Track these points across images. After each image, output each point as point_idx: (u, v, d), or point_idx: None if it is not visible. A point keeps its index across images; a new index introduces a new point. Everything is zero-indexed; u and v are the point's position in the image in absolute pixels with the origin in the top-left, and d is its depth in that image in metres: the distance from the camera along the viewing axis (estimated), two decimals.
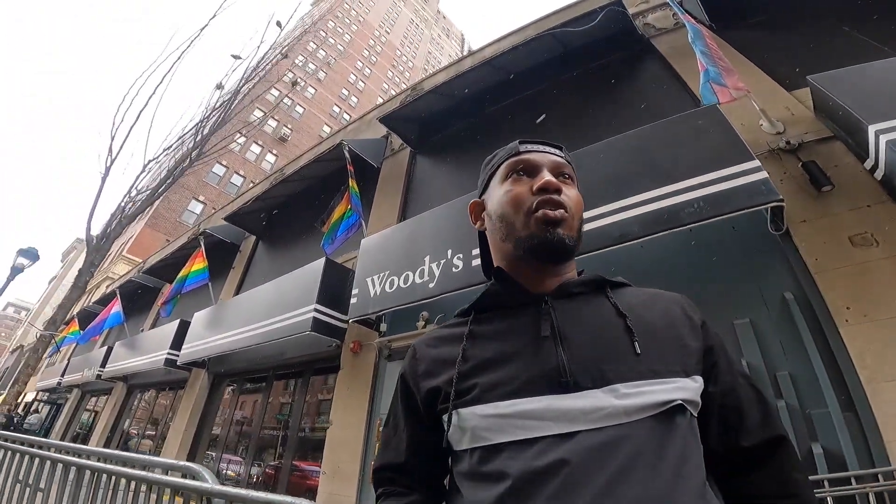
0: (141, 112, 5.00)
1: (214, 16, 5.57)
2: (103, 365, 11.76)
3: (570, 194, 0.79)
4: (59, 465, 2.68)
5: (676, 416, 0.64)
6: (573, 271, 0.82)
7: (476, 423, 0.67)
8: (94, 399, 15.04)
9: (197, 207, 29.47)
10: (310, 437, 6.77)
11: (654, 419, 0.62)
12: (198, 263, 9.34)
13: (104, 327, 12.22)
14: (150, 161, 5.07)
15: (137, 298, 14.30)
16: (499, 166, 0.87)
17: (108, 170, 4.40)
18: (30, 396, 23.88)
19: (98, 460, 2.62)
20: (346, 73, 46.68)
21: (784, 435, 0.72)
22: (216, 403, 8.90)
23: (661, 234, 3.59)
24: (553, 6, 9.04)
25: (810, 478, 2.53)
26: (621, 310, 0.73)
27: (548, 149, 0.85)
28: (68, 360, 16.12)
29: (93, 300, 23.82)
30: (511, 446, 0.63)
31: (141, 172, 4.92)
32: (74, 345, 15.91)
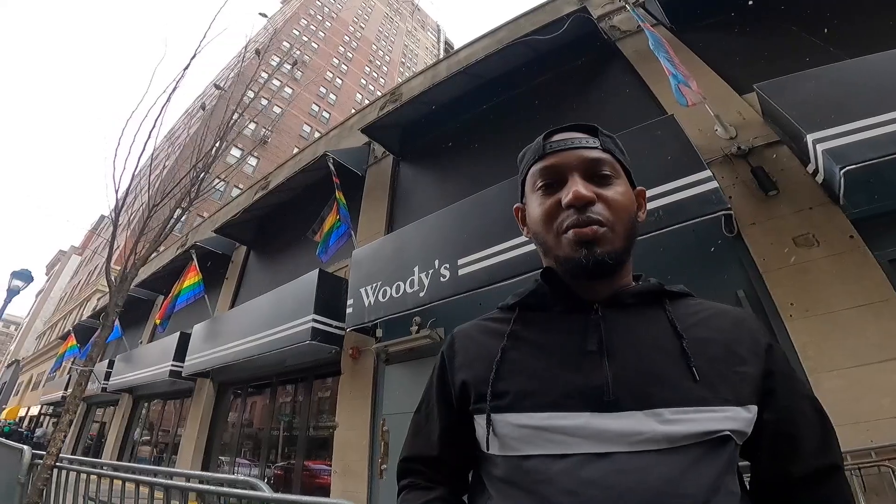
0: (139, 159, 5.16)
1: (195, 55, 5.67)
2: (107, 378, 12.02)
3: (609, 198, 0.70)
4: (132, 485, 3.01)
5: (721, 446, 0.60)
6: (628, 277, 0.76)
7: (507, 431, 0.64)
8: (100, 410, 15.33)
9: (175, 213, 29.24)
10: (317, 437, 7.14)
11: (695, 448, 0.59)
12: (191, 278, 9.50)
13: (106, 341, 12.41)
14: (155, 206, 5.24)
15: (132, 311, 14.44)
16: (528, 172, 0.79)
17: (116, 223, 4.59)
18: (34, 410, 24.14)
19: (165, 478, 2.96)
20: (323, 71, 46.10)
21: (839, 465, 0.67)
22: (224, 410, 9.21)
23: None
24: (525, 5, 9.20)
25: None
26: (679, 329, 0.68)
27: (579, 141, 0.74)
28: (69, 374, 16.29)
29: (85, 314, 23.88)
30: (540, 459, 0.61)
31: (148, 217, 5.09)
32: (73, 359, 16.04)
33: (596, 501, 0.56)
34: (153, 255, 4.94)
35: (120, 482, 3.13)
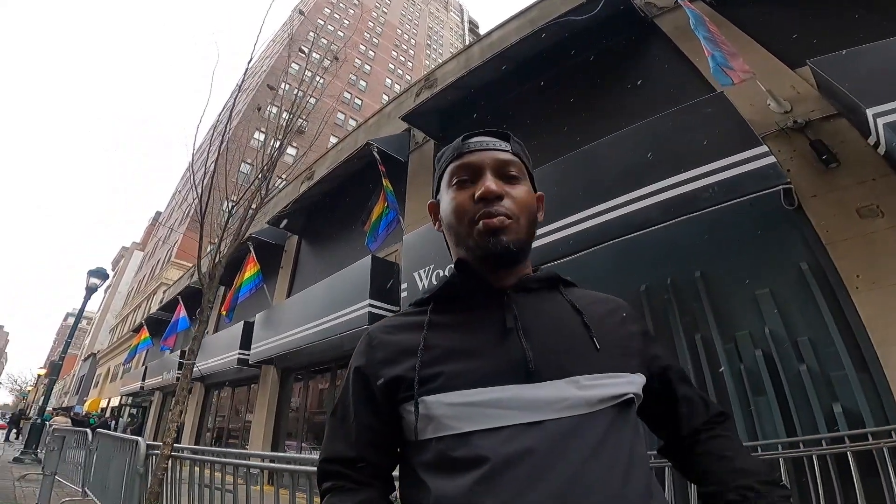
0: (214, 168, 5.55)
1: (251, 60, 5.94)
2: (180, 368, 13.00)
3: (514, 195, 0.78)
4: (252, 470, 3.16)
5: (628, 407, 0.71)
6: (529, 268, 0.84)
7: (442, 411, 0.66)
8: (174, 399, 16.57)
9: (248, 213, 30.54)
10: None
11: (611, 409, 0.67)
12: (251, 269, 10.05)
13: (176, 332, 13.38)
14: (232, 206, 5.64)
15: (197, 303, 15.41)
16: (445, 169, 0.85)
17: (202, 224, 4.99)
18: (115, 402, 26.03)
19: (268, 461, 3.22)
20: (351, 59, 46.29)
21: (720, 413, 0.83)
22: (287, 396, 9.78)
23: (680, 219, 3.94)
24: None
25: (831, 435, 2.97)
26: (577, 306, 0.77)
27: (493, 143, 0.82)
28: (145, 365, 17.63)
29: (153, 307, 25.58)
30: (478, 434, 0.64)
31: (228, 219, 5.50)
32: (146, 351, 17.27)
33: (537, 467, 0.60)
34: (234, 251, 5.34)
35: (222, 469, 3.31)
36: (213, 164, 5.53)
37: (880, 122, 3.18)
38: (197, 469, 3.53)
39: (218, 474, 3.31)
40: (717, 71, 3.96)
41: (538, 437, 0.62)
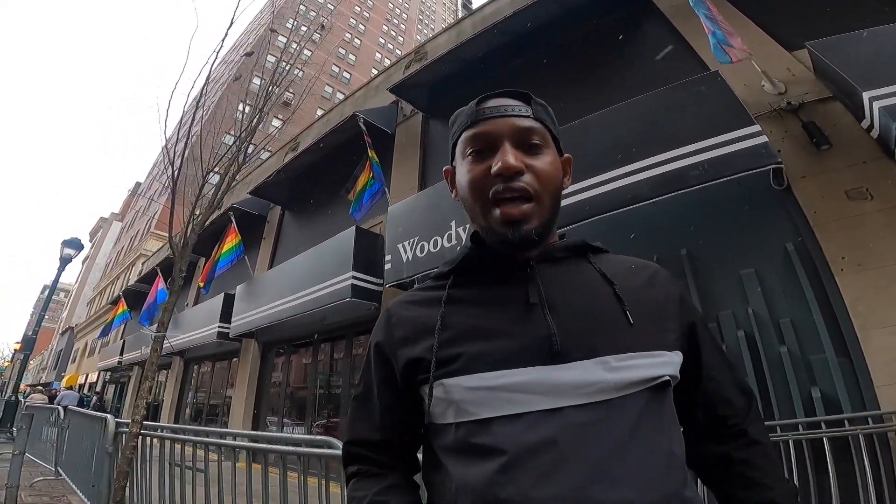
0: (189, 134, 5.31)
1: (231, 24, 5.66)
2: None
3: (537, 168, 0.70)
4: (219, 448, 3.10)
5: (663, 391, 0.64)
6: (554, 237, 0.77)
7: (462, 395, 0.63)
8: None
9: (213, 178, 29.96)
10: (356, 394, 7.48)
11: (643, 394, 0.61)
12: (231, 240, 9.83)
13: (155, 305, 13.10)
14: (207, 173, 5.42)
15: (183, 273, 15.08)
16: (459, 136, 0.77)
17: (174, 191, 4.78)
18: (92, 377, 25.58)
19: (248, 441, 3.14)
20: (341, 32, 45.09)
21: (755, 400, 0.78)
22: (269, 370, 9.69)
23: (670, 195, 3.90)
24: None
25: (808, 419, 2.98)
26: (608, 276, 0.71)
27: (512, 107, 0.73)
28: (123, 339, 17.28)
29: (132, 279, 25.07)
30: (498, 421, 0.61)
31: (202, 184, 5.28)
32: (124, 325, 16.90)
33: (559, 458, 0.56)
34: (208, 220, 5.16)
35: (193, 446, 3.23)
36: (187, 131, 5.29)
37: (876, 105, 3.16)
38: (169, 447, 3.43)
39: (201, 452, 3.21)
40: (717, 48, 3.90)
41: (560, 425, 0.58)
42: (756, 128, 3.64)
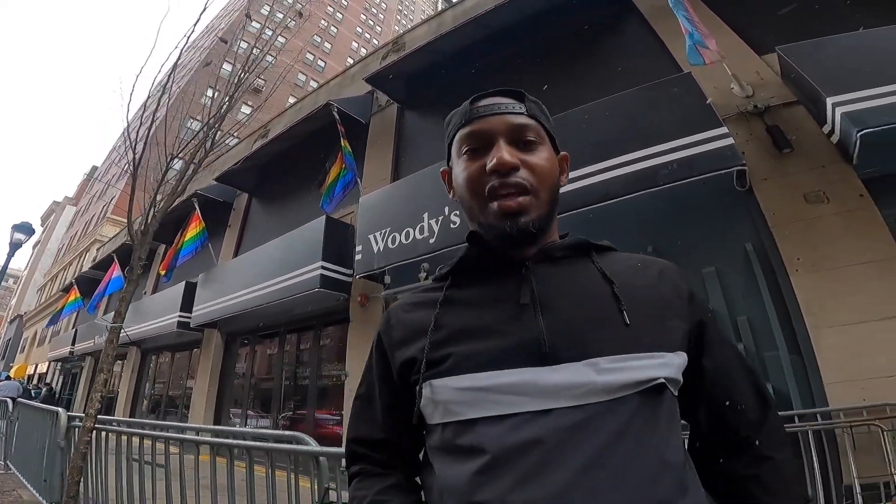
0: (153, 118, 5.07)
1: (204, 9, 5.43)
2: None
3: (532, 164, 0.70)
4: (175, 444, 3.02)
5: (658, 394, 0.61)
6: (555, 235, 0.76)
7: (449, 396, 0.63)
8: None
9: (178, 164, 28.91)
10: (325, 386, 7.37)
11: (635, 397, 0.59)
12: (194, 227, 9.48)
13: (107, 293, 12.51)
14: (171, 158, 5.17)
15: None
16: (454, 136, 0.78)
17: (135, 175, 4.54)
18: (42, 368, 24.26)
19: (212, 436, 3.01)
20: (317, 20, 44.17)
21: (773, 408, 0.72)
22: (232, 361, 9.42)
23: (640, 193, 3.98)
24: None
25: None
26: (608, 275, 0.69)
27: (505, 105, 0.73)
28: (75, 329, 16.43)
29: (85, 265, 23.89)
30: (483, 422, 0.60)
31: (165, 170, 5.04)
32: (76, 313, 16.10)
33: (541, 461, 0.55)
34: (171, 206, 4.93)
35: (152, 441, 3.14)
36: (150, 115, 5.05)
37: (839, 110, 3.30)
38: (126, 440, 3.32)
39: (160, 446, 3.11)
40: (692, 50, 3.98)
41: (545, 427, 0.57)
42: (724, 129, 3.75)
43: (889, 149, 3.36)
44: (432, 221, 5.35)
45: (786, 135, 3.83)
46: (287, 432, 2.79)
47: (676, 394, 0.65)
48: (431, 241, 5.27)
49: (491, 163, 0.68)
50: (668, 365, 0.63)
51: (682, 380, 0.65)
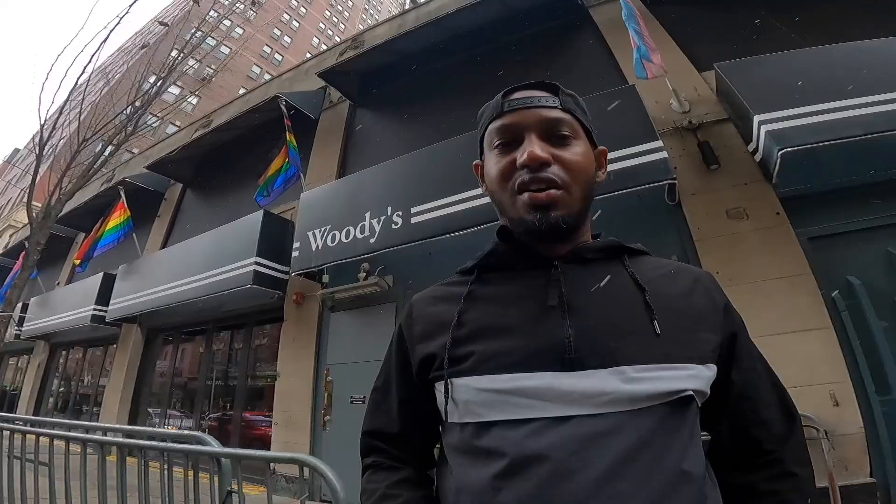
0: (70, 93, 4.65)
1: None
2: (20, 324, 11.00)
3: (565, 159, 0.68)
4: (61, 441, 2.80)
5: (684, 406, 0.60)
6: (587, 236, 0.75)
7: (470, 396, 0.62)
8: (12, 359, 13.98)
9: (107, 151, 27.08)
10: (256, 387, 7.01)
11: (661, 408, 0.58)
12: (118, 216, 8.83)
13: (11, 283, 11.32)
14: (84, 140, 4.75)
15: (48, 249, 13.21)
16: (486, 129, 0.76)
17: (40, 156, 4.11)
18: None
19: (104, 434, 2.80)
20: (279, 12, 43.16)
21: (798, 422, 0.71)
22: (153, 359, 8.79)
23: None
24: None
25: None
26: (640, 282, 0.67)
27: (538, 100, 0.71)
28: None
29: None
30: (501, 425, 0.60)
31: (76, 151, 4.62)
32: None
33: (560, 469, 0.54)
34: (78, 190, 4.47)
35: (49, 439, 2.90)
36: (67, 95, 4.66)
37: (764, 129, 3.50)
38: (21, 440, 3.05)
39: (60, 444, 2.86)
40: (638, 63, 4.12)
41: (565, 434, 0.56)
42: (659, 143, 3.90)
43: (806, 169, 3.61)
44: (374, 221, 5.23)
45: (714, 151, 4.04)
46: (187, 432, 2.62)
47: (700, 405, 0.64)
48: (372, 240, 5.15)
49: (521, 157, 0.67)
50: (698, 377, 0.61)
51: (709, 392, 0.64)
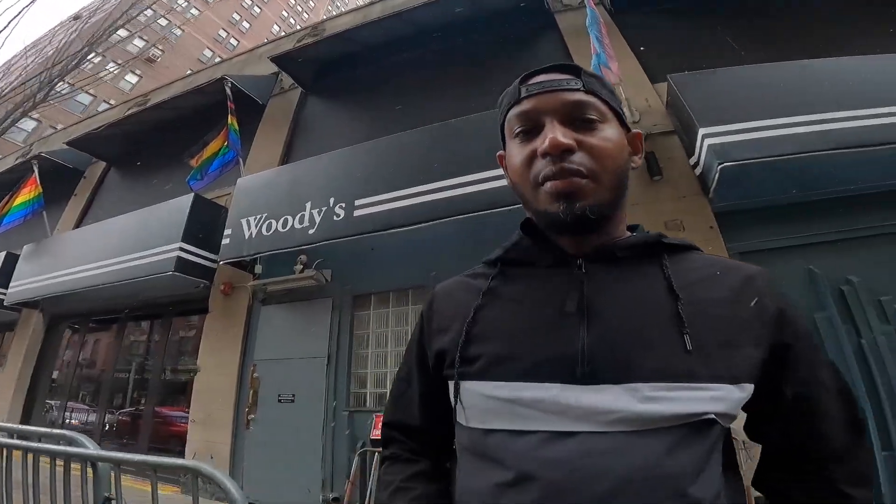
0: None
1: None
2: None
3: (592, 145, 0.62)
4: None
5: (703, 430, 0.54)
6: (621, 228, 0.69)
7: (476, 401, 0.61)
8: None
9: (29, 125, 24.76)
10: (173, 381, 6.50)
11: (676, 431, 0.53)
12: (28, 192, 8.04)
13: None
14: None
15: None
16: (505, 116, 0.72)
17: None
18: None
19: None
20: None
21: (863, 437, 0.64)
22: (55, 347, 8.00)
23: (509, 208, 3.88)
24: None
25: None
26: (675, 287, 0.60)
27: (558, 83, 0.65)
28: None
29: None
30: (504, 434, 0.58)
31: None
32: None
33: (556, 485, 0.52)
34: None
35: None
36: None
37: (707, 142, 3.59)
38: None
39: None
40: (596, 69, 4.14)
41: (566, 450, 0.54)
42: None
43: (740, 185, 3.74)
44: (314, 211, 4.95)
45: (659, 163, 4.13)
46: (59, 431, 2.27)
47: (727, 426, 0.59)
48: (311, 231, 4.88)
49: (543, 145, 0.62)
50: (724, 399, 0.55)
51: (737, 414, 0.59)
